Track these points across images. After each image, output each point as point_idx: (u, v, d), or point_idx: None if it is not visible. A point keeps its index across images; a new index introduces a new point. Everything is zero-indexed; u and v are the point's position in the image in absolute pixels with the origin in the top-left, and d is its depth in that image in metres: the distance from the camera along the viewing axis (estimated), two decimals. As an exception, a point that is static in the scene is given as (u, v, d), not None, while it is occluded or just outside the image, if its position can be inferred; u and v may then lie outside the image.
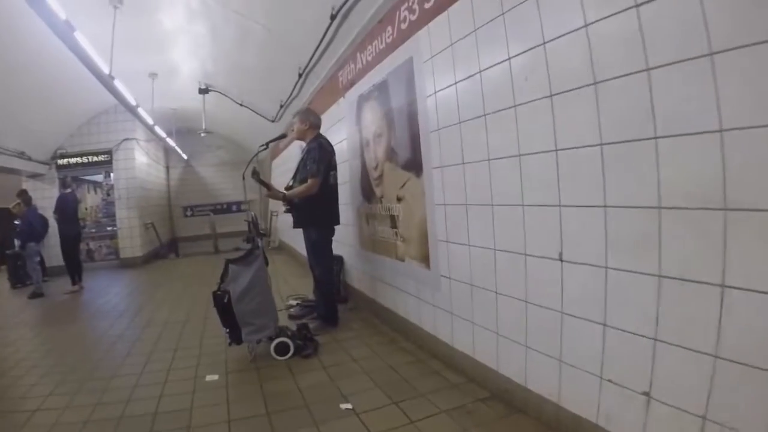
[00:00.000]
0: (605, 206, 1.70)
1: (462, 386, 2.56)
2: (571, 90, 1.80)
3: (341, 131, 4.55)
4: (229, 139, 13.65)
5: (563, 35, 1.81)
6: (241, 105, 8.31)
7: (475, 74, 2.36)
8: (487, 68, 2.27)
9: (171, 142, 10.34)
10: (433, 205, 2.89)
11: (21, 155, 7.88)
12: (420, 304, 3.21)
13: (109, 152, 9.35)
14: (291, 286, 5.72)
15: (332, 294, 3.85)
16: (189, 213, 14.28)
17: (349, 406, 2.41)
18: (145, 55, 6.71)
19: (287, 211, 3.81)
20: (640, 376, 1.62)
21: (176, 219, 13.90)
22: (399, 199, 3.37)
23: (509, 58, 2.11)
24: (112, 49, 5.31)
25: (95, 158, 9.35)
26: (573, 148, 1.82)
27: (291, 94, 6.44)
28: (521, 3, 2.01)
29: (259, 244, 3.30)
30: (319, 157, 3.58)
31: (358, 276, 4.50)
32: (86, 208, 9.59)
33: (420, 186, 3.03)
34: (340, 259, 4.79)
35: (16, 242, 7.23)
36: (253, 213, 3.64)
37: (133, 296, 6.42)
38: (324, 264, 3.78)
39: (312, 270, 3.94)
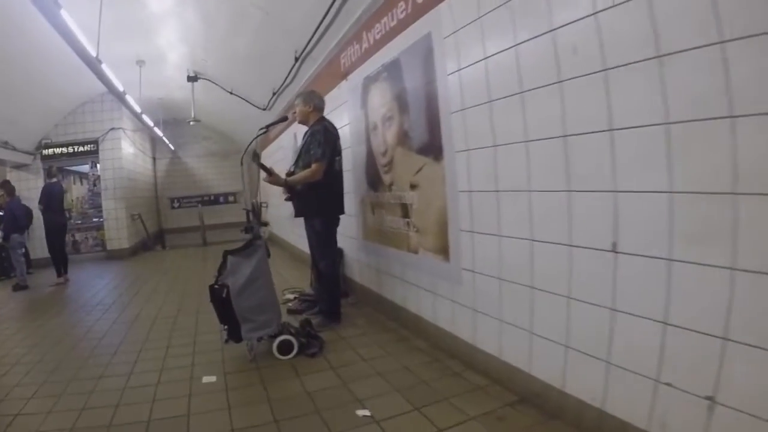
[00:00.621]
0: (671, 192, 1.48)
1: (487, 389, 2.33)
2: (630, 64, 1.57)
3: (343, 116, 4.27)
4: (217, 130, 13.24)
5: (620, 4, 1.58)
6: (230, 93, 7.95)
7: (510, 48, 2.11)
8: (525, 41, 2.02)
9: (158, 131, 9.91)
10: (456, 192, 2.63)
11: (5, 145, 7.48)
12: (436, 300, 2.97)
13: (95, 142, 8.91)
14: (284, 279, 5.45)
15: (337, 288, 3.59)
16: (176, 204, 13.84)
17: (367, 412, 2.16)
18: (132, 41, 6.35)
19: (288, 199, 3.53)
20: (704, 378, 1.42)
21: (163, 210, 13.44)
22: (413, 187, 3.11)
23: (552, 30, 1.86)
24: (99, 31, 4.96)
25: (81, 148, 8.90)
26: (632, 127, 1.59)
27: (285, 80, 6.12)
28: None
29: (261, 234, 3.02)
30: (324, 141, 3.31)
31: (361, 269, 4.24)
32: (72, 200, 9.16)
33: (439, 172, 2.78)
34: (340, 252, 4.52)
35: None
36: (253, 201, 3.37)
37: (120, 289, 6.05)
38: (329, 256, 3.51)
39: (314, 263, 3.69)
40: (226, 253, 2.91)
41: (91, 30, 4.76)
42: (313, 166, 3.29)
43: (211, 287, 2.91)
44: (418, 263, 3.15)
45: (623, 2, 1.57)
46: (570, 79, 1.82)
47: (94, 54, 4.91)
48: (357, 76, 3.90)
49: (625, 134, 1.62)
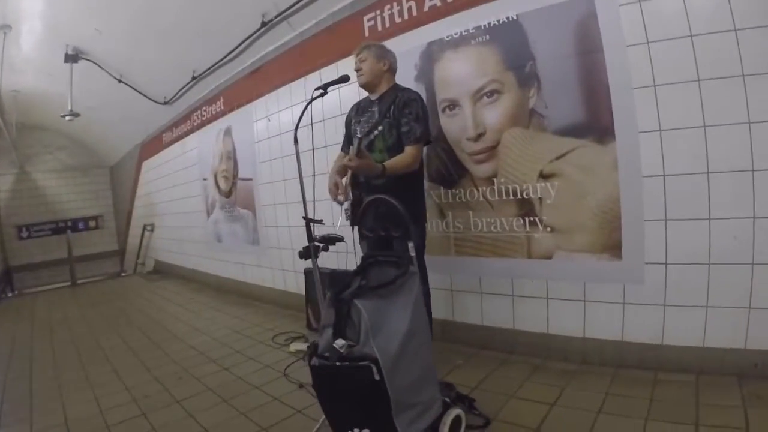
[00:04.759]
0: None
1: (703, 384, 1.91)
2: None
3: (364, 94, 3.10)
4: (75, 138, 10.04)
5: None
6: (119, 81, 5.73)
7: (728, 31, 1.80)
8: (749, 28, 1.76)
9: (11, 134, 6.80)
10: (638, 177, 2.06)
11: None
12: (588, 308, 2.29)
13: None
14: (235, 321, 3.91)
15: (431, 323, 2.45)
16: (25, 234, 10.09)
17: None
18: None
19: (353, 202, 2.22)
20: None
21: (8, 243, 9.61)
22: (546, 177, 2.29)
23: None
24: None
25: None
26: None
27: (227, 56, 4.42)
28: None
29: (411, 252, 1.76)
30: (423, 116, 2.22)
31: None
32: None
33: (605, 155, 2.13)
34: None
35: None
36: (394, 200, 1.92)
37: (-1, 368, 3.53)
38: (426, 281, 2.36)
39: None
40: (339, 296, 1.52)
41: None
42: (409, 149, 2.17)
43: (321, 367, 1.46)
44: (549, 270, 2.37)
45: None
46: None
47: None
48: (408, 43, 2.84)
49: None
